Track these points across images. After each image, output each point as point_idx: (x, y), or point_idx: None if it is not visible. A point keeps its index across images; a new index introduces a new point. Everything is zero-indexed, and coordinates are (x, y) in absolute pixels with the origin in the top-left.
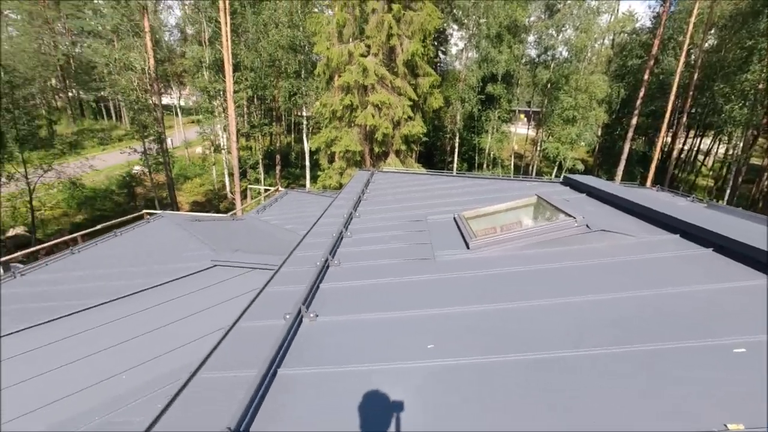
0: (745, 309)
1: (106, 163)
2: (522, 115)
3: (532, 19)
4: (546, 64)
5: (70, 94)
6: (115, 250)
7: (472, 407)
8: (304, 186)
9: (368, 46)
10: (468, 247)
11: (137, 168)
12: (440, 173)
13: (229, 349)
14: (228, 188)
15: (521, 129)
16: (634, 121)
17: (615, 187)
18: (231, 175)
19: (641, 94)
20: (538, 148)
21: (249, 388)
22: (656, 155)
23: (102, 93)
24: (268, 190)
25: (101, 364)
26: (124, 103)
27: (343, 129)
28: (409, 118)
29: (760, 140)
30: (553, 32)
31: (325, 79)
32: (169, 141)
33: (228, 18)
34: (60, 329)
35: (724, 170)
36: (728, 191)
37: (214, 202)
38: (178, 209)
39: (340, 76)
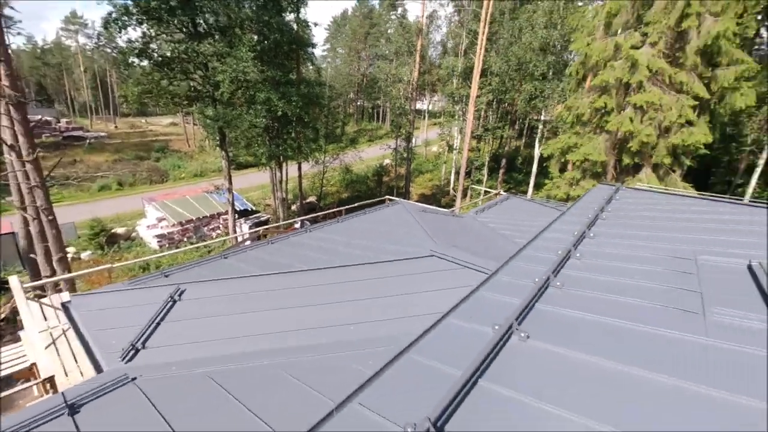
0: None
1: (368, 155)
2: None
3: None
4: None
5: (358, 103)
6: (363, 225)
7: None
8: (526, 193)
9: (644, 35)
10: None
11: (387, 161)
12: (723, 199)
13: (436, 340)
14: (452, 185)
15: None
16: None
17: None
18: (457, 173)
19: None
20: None
21: (452, 387)
22: None
23: (377, 101)
24: (488, 192)
25: (333, 311)
26: (390, 108)
27: (587, 135)
28: (687, 123)
29: None
30: None
31: (576, 79)
32: (414, 140)
33: (486, 27)
34: (324, 276)
35: None
36: None
37: (437, 196)
38: (409, 198)
39: (595, 76)
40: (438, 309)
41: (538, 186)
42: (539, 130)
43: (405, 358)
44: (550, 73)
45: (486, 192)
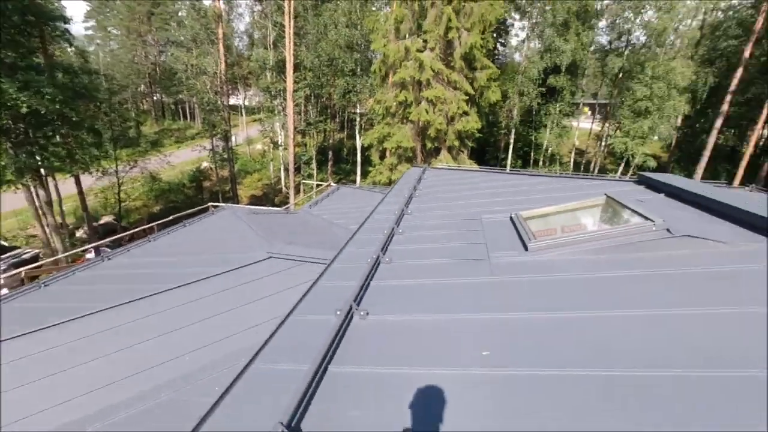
0: None
1: (180, 159)
2: (586, 108)
3: (605, 2)
4: (619, 52)
5: (155, 97)
6: (183, 240)
7: (526, 421)
8: (355, 182)
9: (425, 41)
10: (526, 249)
11: (205, 164)
12: (494, 170)
13: (282, 342)
14: (283, 183)
15: (584, 123)
16: (724, 107)
17: (702, 186)
18: (286, 170)
19: (736, 78)
20: (603, 144)
21: (301, 383)
22: (749, 150)
23: (180, 96)
24: (320, 185)
25: (168, 345)
26: (198, 104)
27: (396, 125)
28: (464, 113)
29: None
30: (630, 15)
31: (380, 76)
32: (233, 139)
33: (292, 21)
34: (136, 310)
35: None
36: None
37: (270, 196)
38: (238, 202)
39: (395, 73)
40: (282, 310)
41: (364, 174)
42: (357, 122)
43: (251, 370)
44: (359, 70)
45: (318, 185)
